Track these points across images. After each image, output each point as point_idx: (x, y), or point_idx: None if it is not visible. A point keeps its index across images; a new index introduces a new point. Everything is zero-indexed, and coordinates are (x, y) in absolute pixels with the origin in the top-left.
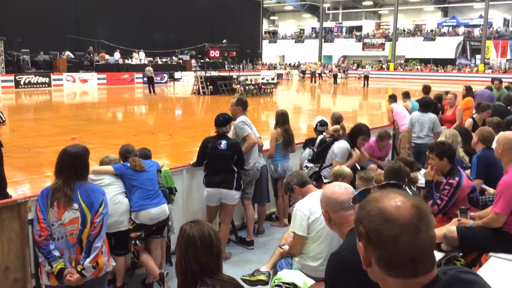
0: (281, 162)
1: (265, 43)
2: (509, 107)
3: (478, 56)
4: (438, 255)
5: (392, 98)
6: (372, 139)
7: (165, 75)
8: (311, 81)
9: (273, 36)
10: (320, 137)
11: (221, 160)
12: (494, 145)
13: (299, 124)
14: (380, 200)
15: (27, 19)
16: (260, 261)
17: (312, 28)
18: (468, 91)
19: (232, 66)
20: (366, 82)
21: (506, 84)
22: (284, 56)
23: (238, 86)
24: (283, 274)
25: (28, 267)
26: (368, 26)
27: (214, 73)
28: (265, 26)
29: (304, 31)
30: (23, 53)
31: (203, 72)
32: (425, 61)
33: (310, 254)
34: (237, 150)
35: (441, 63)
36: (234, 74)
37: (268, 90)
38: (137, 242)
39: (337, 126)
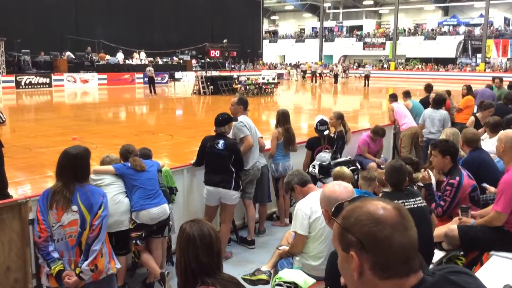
0: (282, 162)
1: (265, 43)
2: (510, 106)
3: (479, 55)
4: (439, 254)
5: (393, 98)
6: (365, 134)
7: (165, 75)
8: (312, 81)
9: (274, 35)
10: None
11: (218, 160)
12: (486, 145)
13: (300, 124)
14: (363, 206)
15: (27, 19)
16: (261, 260)
17: (313, 27)
18: (468, 90)
19: (232, 66)
20: (367, 81)
21: (507, 83)
22: (284, 56)
23: (239, 86)
24: (284, 274)
25: (29, 267)
26: (368, 25)
27: (214, 73)
28: (266, 25)
29: (305, 31)
30: (23, 53)
31: (203, 72)
32: (426, 61)
33: (311, 253)
34: (235, 150)
35: (442, 62)
36: (235, 74)
37: (269, 90)
38: (138, 242)
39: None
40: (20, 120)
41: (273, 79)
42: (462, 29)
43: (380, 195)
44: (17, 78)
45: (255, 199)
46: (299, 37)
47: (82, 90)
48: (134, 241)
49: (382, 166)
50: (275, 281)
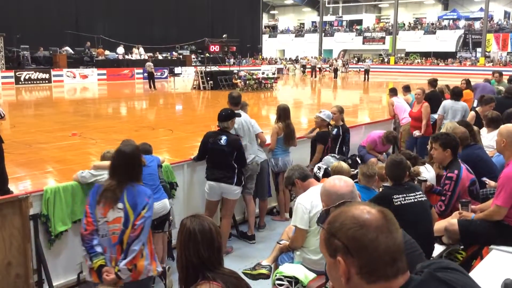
0: (281, 156)
1: (265, 37)
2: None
3: (478, 50)
4: (439, 248)
5: (393, 92)
6: (378, 133)
7: (165, 70)
8: (312, 76)
9: (273, 30)
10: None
11: (220, 155)
12: (485, 142)
13: (300, 119)
14: (348, 210)
15: (26, 15)
16: (261, 255)
17: (312, 22)
18: (467, 84)
19: (233, 61)
20: (366, 76)
21: (507, 77)
22: (284, 50)
23: (239, 81)
24: (284, 268)
25: (30, 262)
26: (368, 19)
27: (214, 68)
28: (265, 20)
29: (304, 25)
30: (22, 49)
31: (203, 67)
32: (425, 55)
33: (311, 247)
34: (237, 146)
35: (442, 56)
36: (235, 68)
37: (269, 85)
38: None
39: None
40: (20, 116)
41: (273, 74)
42: (462, 23)
43: (381, 189)
44: (17, 73)
45: (255, 194)
46: (299, 31)
47: (82, 86)
48: None
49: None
50: (275, 275)
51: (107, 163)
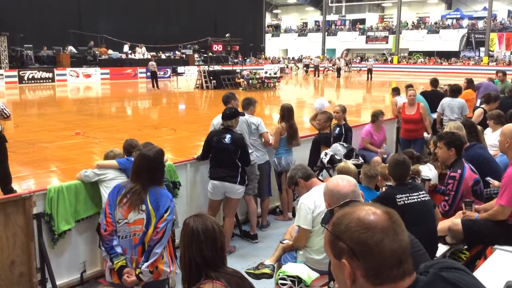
0: (284, 156)
1: (268, 36)
2: None
3: (482, 49)
4: (443, 248)
5: (396, 91)
6: (368, 125)
7: (168, 69)
8: (314, 75)
9: (276, 29)
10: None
11: (225, 154)
12: (488, 141)
13: (303, 118)
14: (353, 212)
15: (29, 14)
16: (264, 254)
17: (315, 21)
18: (469, 84)
19: (235, 61)
20: (369, 75)
21: (511, 77)
22: (287, 49)
23: (241, 80)
24: (287, 267)
25: (34, 261)
26: (371, 19)
27: (217, 67)
28: (268, 19)
29: (307, 25)
30: (26, 48)
31: (206, 67)
32: (429, 54)
33: (314, 247)
34: (241, 145)
35: (445, 55)
36: (237, 68)
37: (271, 84)
38: None
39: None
40: (23, 115)
41: (275, 73)
42: (465, 22)
43: (384, 189)
44: (20, 73)
45: (255, 194)
46: (302, 31)
47: (85, 85)
48: None
49: (384, 156)
50: (278, 275)
51: (110, 162)
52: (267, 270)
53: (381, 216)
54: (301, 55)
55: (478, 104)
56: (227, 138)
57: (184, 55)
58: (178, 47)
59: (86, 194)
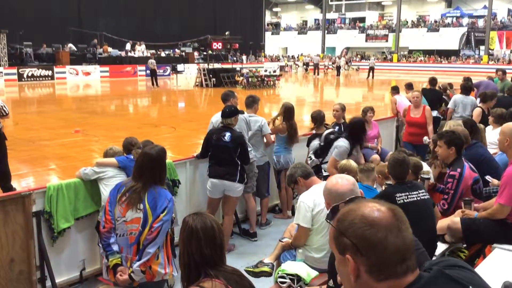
0: (283, 154)
1: (267, 35)
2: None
3: (482, 47)
4: (442, 247)
5: (395, 90)
6: None
7: (168, 67)
8: (314, 73)
9: (276, 28)
10: (326, 132)
11: (224, 152)
12: (489, 139)
13: (302, 116)
14: (357, 208)
15: (29, 11)
16: (263, 252)
17: (315, 19)
18: (468, 82)
19: (235, 58)
20: (371, 73)
21: (511, 75)
22: (287, 48)
23: (241, 78)
24: (286, 266)
25: (33, 259)
26: (371, 17)
27: (217, 65)
28: (268, 17)
29: (307, 23)
30: (25, 46)
31: (205, 65)
32: (428, 53)
33: (314, 245)
34: (241, 143)
35: (445, 54)
36: (237, 66)
37: (271, 82)
38: None
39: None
40: (22, 113)
41: (274, 71)
42: (465, 20)
43: (384, 187)
44: (19, 70)
45: (254, 193)
46: (302, 29)
47: (84, 83)
48: None
49: (375, 150)
50: (278, 273)
51: (109, 160)
52: (266, 268)
53: (386, 213)
54: (299, 54)
55: (478, 103)
56: (227, 136)
57: (183, 53)
58: (178, 45)
59: (85, 192)
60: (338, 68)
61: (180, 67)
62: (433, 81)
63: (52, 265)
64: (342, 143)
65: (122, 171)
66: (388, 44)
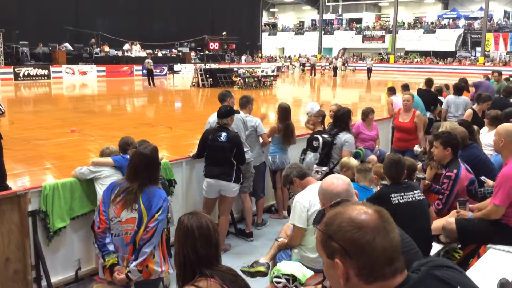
0: (279, 154)
1: (264, 35)
2: (508, 99)
3: (478, 49)
4: (437, 247)
5: (391, 91)
6: (359, 122)
7: (164, 67)
8: (311, 74)
9: (273, 28)
10: (322, 139)
11: (220, 152)
12: (484, 140)
13: (299, 117)
14: (344, 212)
15: (25, 10)
16: (259, 252)
17: (312, 20)
18: (465, 84)
19: (233, 59)
20: (369, 74)
21: (506, 77)
22: (284, 48)
23: (238, 78)
24: (282, 266)
25: (29, 258)
26: (368, 18)
27: (213, 66)
28: (265, 18)
29: (304, 24)
30: (22, 45)
31: (202, 65)
32: (425, 54)
33: (309, 245)
34: (236, 143)
35: (441, 55)
36: (234, 66)
37: (268, 83)
38: None
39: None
40: (18, 112)
41: (272, 71)
42: (461, 22)
43: (379, 187)
44: (16, 69)
45: (250, 194)
46: (299, 29)
47: (81, 82)
48: None
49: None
50: (273, 273)
51: (105, 159)
52: (262, 268)
53: (372, 215)
54: (297, 54)
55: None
56: (223, 136)
57: (180, 53)
58: (175, 45)
59: (81, 191)
60: (335, 69)
61: (177, 67)
62: (429, 82)
63: (48, 264)
64: (347, 136)
65: (118, 171)
66: (385, 45)
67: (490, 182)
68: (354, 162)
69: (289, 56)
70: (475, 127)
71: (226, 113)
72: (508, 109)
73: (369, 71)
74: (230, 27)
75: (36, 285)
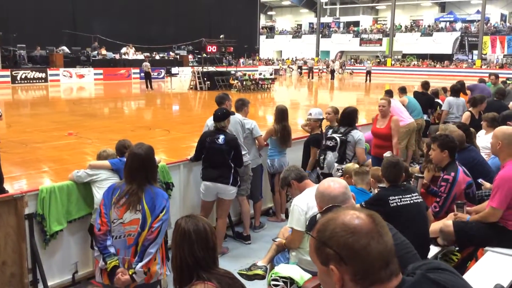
0: (277, 157)
1: (262, 38)
2: (503, 101)
3: (475, 52)
4: (435, 250)
5: (388, 94)
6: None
7: (162, 70)
8: (308, 77)
9: (271, 31)
10: (339, 139)
11: (218, 154)
12: (481, 143)
13: (297, 120)
14: (337, 217)
15: (23, 13)
16: (257, 255)
17: (310, 23)
18: (461, 87)
19: (231, 62)
20: (368, 77)
21: (503, 80)
22: (281, 51)
23: (236, 81)
24: (280, 269)
25: (25, 261)
26: (365, 21)
27: (211, 69)
28: (263, 21)
29: (302, 27)
30: (19, 48)
31: (200, 68)
32: (422, 57)
33: (307, 248)
34: (234, 145)
35: (439, 58)
36: (232, 69)
37: (266, 86)
38: None
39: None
40: (16, 115)
41: (270, 74)
42: (458, 25)
43: (377, 190)
44: (13, 72)
45: (248, 196)
46: (296, 32)
47: (78, 85)
48: None
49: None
50: (271, 276)
51: (102, 162)
52: (259, 271)
53: (365, 219)
54: (294, 57)
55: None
56: (221, 138)
57: (178, 56)
58: (172, 48)
59: (78, 194)
60: (332, 72)
61: (174, 70)
62: (425, 85)
63: (45, 267)
64: (359, 134)
65: (115, 174)
66: (382, 48)
67: (487, 184)
68: (354, 166)
69: (282, 59)
70: (472, 129)
71: (222, 116)
72: (505, 112)
73: (368, 73)
74: (228, 30)
75: None
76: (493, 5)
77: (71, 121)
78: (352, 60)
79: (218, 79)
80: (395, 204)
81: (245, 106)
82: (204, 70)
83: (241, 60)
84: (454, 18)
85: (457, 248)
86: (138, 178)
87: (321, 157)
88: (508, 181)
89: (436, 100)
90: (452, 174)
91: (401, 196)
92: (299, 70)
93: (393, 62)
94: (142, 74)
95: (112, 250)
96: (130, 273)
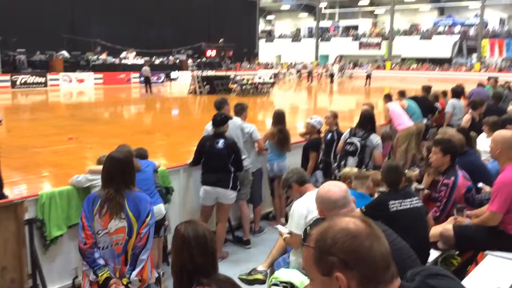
0: (276, 161)
1: (261, 42)
2: (499, 105)
3: (474, 55)
4: (435, 254)
5: (388, 98)
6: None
7: (161, 74)
8: (308, 81)
9: (270, 35)
10: (358, 142)
11: (218, 159)
12: (483, 147)
13: (296, 124)
14: (334, 225)
15: (22, 18)
16: (257, 260)
17: (309, 27)
18: (462, 90)
19: (230, 66)
20: (368, 81)
21: (501, 83)
22: (280, 55)
23: (235, 85)
24: (280, 273)
25: (25, 267)
26: (364, 25)
27: (210, 73)
28: (262, 25)
29: (301, 31)
30: (19, 53)
31: (199, 72)
32: (421, 60)
33: None
34: (234, 149)
35: (437, 62)
36: (231, 73)
37: (265, 90)
38: None
39: None
40: (15, 120)
41: (270, 78)
42: (457, 29)
43: (376, 195)
44: (13, 77)
45: (248, 201)
46: (295, 36)
47: (78, 90)
48: None
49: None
50: (271, 280)
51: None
52: (260, 276)
53: (360, 224)
54: (293, 61)
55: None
56: (221, 142)
57: (177, 60)
58: (172, 52)
59: (78, 199)
60: (332, 76)
61: (174, 74)
62: (427, 88)
63: (45, 273)
64: (377, 138)
65: None
66: (381, 52)
67: (487, 188)
68: (354, 171)
69: (281, 63)
70: (473, 133)
71: (221, 121)
72: (505, 116)
73: (368, 77)
74: (227, 34)
75: None
76: (491, 9)
77: (71, 126)
78: (351, 64)
79: (218, 83)
80: (395, 208)
81: (244, 111)
82: (204, 74)
83: (242, 64)
84: (453, 21)
85: (457, 252)
86: (116, 181)
87: (342, 162)
88: (507, 185)
89: (436, 104)
90: (452, 178)
91: (401, 201)
92: (298, 74)
93: (392, 66)
94: (142, 79)
95: (101, 262)
96: (125, 282)
